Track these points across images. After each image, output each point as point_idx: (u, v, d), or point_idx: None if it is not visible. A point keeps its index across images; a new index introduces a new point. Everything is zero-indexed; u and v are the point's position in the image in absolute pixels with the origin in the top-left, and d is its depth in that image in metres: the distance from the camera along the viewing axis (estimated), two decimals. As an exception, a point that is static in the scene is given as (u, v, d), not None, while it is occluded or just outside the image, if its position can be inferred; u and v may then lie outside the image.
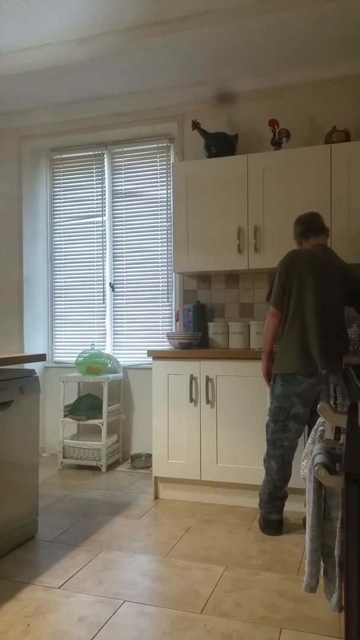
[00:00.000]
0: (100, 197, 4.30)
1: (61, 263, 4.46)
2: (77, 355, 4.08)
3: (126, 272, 4.24)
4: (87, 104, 4.01)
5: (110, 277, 4.29)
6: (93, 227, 4.34)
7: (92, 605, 2.03)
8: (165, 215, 4.10)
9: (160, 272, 4.13)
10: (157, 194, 4.13)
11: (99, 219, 4.31)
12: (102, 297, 4.30)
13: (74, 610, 1.99)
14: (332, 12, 2.88)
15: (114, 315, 4.28)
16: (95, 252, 4.33)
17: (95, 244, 4.33)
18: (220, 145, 3.52)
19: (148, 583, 2.21)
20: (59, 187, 4.45)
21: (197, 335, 3.38)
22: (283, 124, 3.60)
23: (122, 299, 4.25)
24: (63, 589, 2.15)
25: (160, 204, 4.12)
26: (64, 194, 4.44)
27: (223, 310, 3.78)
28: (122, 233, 4.25)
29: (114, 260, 4.28)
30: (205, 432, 3.14)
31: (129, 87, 3.77)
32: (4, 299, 4.31)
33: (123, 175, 4.24)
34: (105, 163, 4.28)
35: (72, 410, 3.96)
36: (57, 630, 1.87)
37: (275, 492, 2.69)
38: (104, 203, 4.29)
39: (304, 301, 2.62)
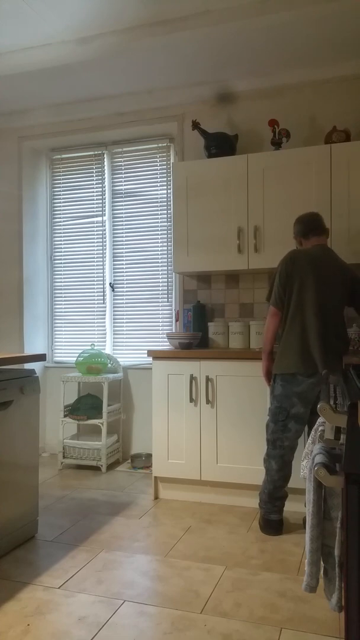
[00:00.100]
0: (100, 197, 4.30)
1: (61, 263, 4.46)
2: (77, 355, 4.08)
3: (126, 272, 4.24)
4: (87, 104, 4.01)
5: (110, 277, 4.29)
6: (93, 227, 4.34)
7: (92, 605, 2.03)
8: (165, 215, 4.10)
9: (160, 272, 4.13)
10: (157, 194, 4.13)
11: (99, 219, 4.31)
12: (102, 297, 4.30)
13: (74, 610, 1.99)
14: (332, 12, 2.88)
15: (114, 315, 4.28)
16: (95, 252, 4.33)
17: (95, 244, 4.33)
18: (220, 145, 3.52)
19: (148, 583, 2.21)
20: (59, 187, 4.45)
21: (197, 335, 3.38)
22: (283, 124, 3.60)
23: (122, 299, 4.25)
24: (63, 589, 2.15)
25: (160, 204, 4.12)
26: (64, 194, 4.44)
27: (223, 310, 3.78)
28: (122, 233, 4.25)
29: (114, 260, 4.28)
30: (205, 432, 3.14)
31: (129, 87, 3.77)
32: (4, 299, 4.31)
33: (123, 175, 4.24)
34: (105, 163, 4.29)
35: (72, 410, 3.96)
36: (57, 630, 1.87)
37: (275, 492, 2.69)
38: (104, 203, 4.29)
39: (305, 301, 2.62)
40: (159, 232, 4.13)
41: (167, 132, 4.03)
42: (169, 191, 4.08)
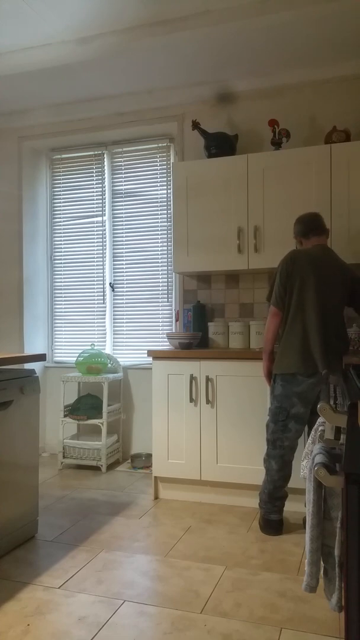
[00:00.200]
0: (100, 197, 4.30)
1: (61, 263, 4.46)
2: (77, 355, 4.08)
3: (126, 272, 4.24)
4: (87, 104, 4.01)
5: (110, 277, 4.29)
6: (93, 227, 4.34)
7: (92, 605, 2.03)
8: (165, 215, 4.10)
9: (160, 272, 4.13)
10: (157, 194, 4.13)
11: (99, 219, 4.31)
12: (102, 297, 4.30)
13: (74, 610, 1.99)
14: (332, 12, 2.88)
15: (114, 315, 4.28)
16: (95, 252, 4.33)
17: (95, 244, 4.33)
18: (220, 145, 3.52)
19: (148, 583, 2.21)
20: (59, 187, 4.45)
21: (197, 335, 3.38)
22: (283, 124, 3.60)
23: (122, 299, 4.25)
24: (63, 589, 2.15)
25: (160, 204, 4.12)
26: (64, 194, 4.44)
27: (223, 310, 3.78)
28: (122, 233, 4.25)
29: (114, 260, 4.28)
30: (205, 432, 3.14)
31: (129, 87, 3.77)
32: (4, 299, 4.32)
33: (123, 175, 4.24)
34: (105, 163, 4.28)
35: (72, 410, 3.96)
36: (57, 630, 1.87)
37: (275, 492, 2.69)
38: (104, 203, 4.29)
39: (305, 301, 2.62)
40: (159, 232, 4.13)
41: (167, 132, 4.03)
42: (169, 191, 4.08)
